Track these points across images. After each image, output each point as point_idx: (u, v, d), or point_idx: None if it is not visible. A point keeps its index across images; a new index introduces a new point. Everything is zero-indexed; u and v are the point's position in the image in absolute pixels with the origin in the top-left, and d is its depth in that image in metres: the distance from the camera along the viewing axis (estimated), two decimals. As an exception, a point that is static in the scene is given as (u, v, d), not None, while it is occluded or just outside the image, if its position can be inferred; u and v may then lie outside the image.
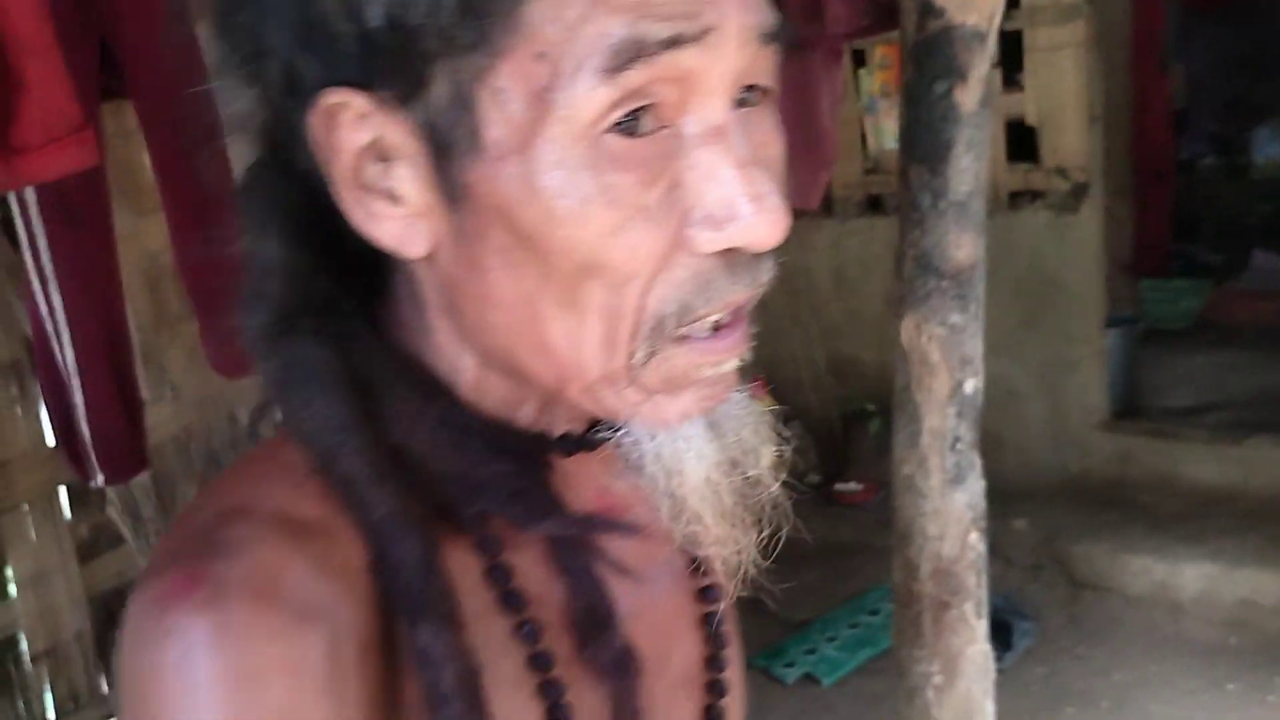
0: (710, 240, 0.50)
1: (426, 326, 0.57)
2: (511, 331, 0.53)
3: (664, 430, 0.55)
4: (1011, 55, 3.73)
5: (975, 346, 2.03)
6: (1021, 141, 3.87)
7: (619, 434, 0.56)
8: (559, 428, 0.60)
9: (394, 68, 0.49)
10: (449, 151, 0.50)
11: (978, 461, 2.13)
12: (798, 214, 0.55)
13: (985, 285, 2.12)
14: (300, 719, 0.48)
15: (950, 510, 2.09)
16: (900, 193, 1.98)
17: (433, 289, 0.56)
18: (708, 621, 0.67)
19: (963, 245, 1.95)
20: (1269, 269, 5.85)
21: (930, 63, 1.87)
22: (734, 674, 0.68)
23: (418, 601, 0.52)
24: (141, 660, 0.48)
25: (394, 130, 0.51)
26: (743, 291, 0.53)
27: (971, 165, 1.92)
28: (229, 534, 0.50)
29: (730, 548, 0.58)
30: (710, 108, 0.50)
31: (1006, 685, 2.90)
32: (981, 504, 2.14)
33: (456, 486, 0.56)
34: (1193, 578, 3.46)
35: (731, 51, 0.50)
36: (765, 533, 0.59)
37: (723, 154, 0.50)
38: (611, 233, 0.49)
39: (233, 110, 0.55)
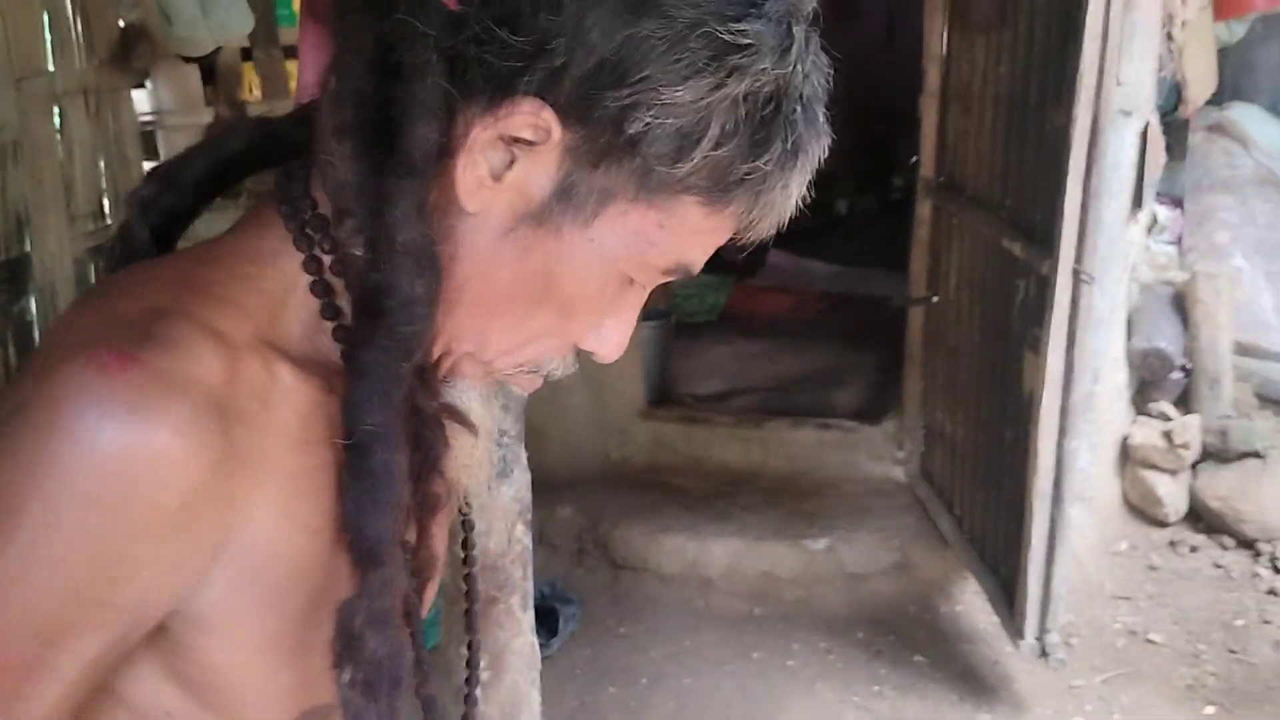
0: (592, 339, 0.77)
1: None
2: (474, 306, 0.71)
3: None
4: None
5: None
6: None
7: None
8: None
9: (616, 150, 0.66)
10: (568, 204, 0.68)
11: (523, 454, 2.23)
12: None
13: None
14: (169, 510, 0.60)
15: (497, 505, 2.18)
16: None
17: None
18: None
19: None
20: (783, 266, 6.28)
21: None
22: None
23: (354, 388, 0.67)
24: (57, 410, 0.58)
25: (552, 159, 0.67)
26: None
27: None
28: (164, 330, 0.61)
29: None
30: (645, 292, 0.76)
31: (553, 670, 3.07)
32: (528, 496, 2.23)
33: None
34: (720, 554, 3.66)
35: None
36: None
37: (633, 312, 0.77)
38: (583, 296, 0.72)
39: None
